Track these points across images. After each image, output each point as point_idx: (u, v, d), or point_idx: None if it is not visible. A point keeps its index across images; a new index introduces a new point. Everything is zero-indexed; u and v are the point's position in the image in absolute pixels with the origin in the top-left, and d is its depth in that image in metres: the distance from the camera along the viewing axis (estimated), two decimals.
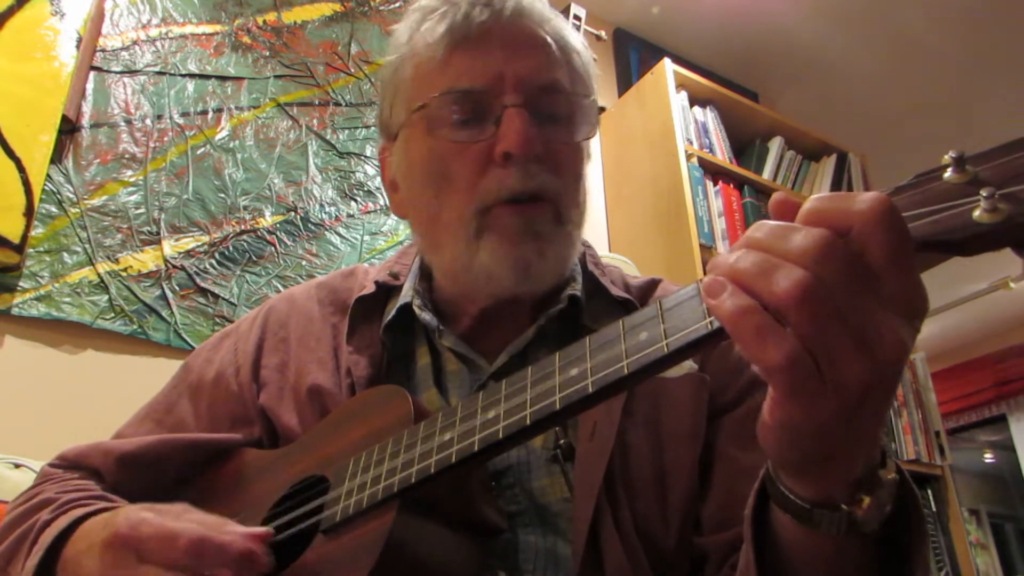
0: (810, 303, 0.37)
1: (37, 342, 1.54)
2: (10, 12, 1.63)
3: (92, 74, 1.77)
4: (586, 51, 0.82)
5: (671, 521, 0.68)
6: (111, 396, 1.50)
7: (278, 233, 1.89)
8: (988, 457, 6.01)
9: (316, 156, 2.03)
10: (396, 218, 2.04)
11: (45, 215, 1.60)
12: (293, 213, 1.93)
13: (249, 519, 0.68)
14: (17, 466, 1.26)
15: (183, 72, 1.91)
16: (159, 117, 1.83)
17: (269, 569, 0.58)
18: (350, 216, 2.02)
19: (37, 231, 1.57)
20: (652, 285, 0.85)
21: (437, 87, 0.74)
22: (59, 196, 1.63)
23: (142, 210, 1.73)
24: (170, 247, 1.73)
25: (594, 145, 2.63)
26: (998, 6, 2.82)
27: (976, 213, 0.38)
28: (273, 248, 1.87)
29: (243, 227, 1.84)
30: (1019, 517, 5.89)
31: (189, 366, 0.89)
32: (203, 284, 1.73)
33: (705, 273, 0.43)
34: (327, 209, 1.99)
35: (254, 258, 1.83)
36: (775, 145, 2.73)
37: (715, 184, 2.46)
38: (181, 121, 1.86)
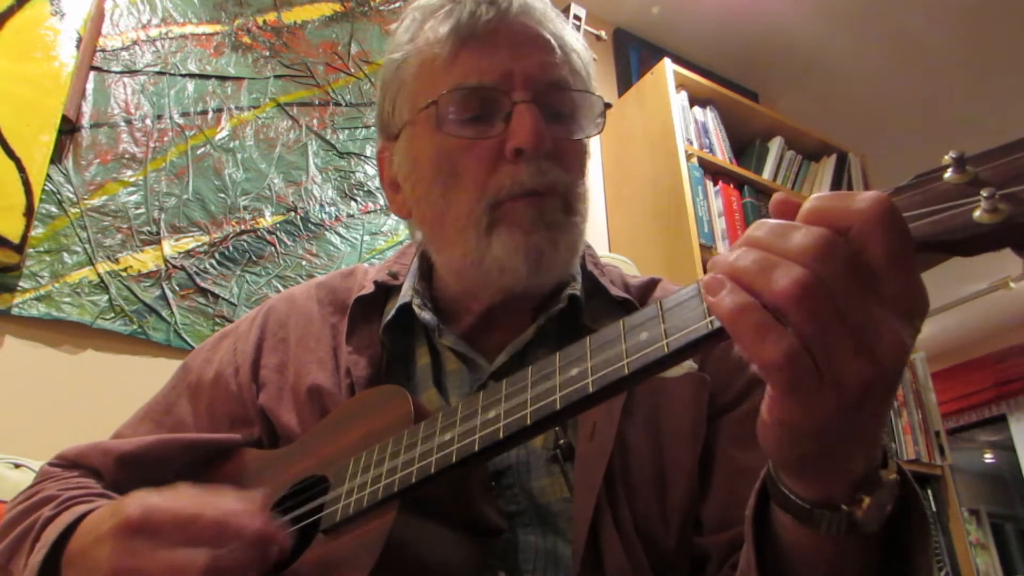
0: (809, 301, 0.37)
1: (37, 342, 1.54)
2: (10, 12, 1.64)
3: (92, 74, 1.77)
4: (586, 52, 0.82)
5: (671, 521, 0.68)
6: (111, 396, 1.50)
7: (278, 233, 1.89)
8: (988, 457, 6.02)
9: (316, 156, 2.03)
10: (396, 218, 2.04)
11: (45, 215, 1.60)
12: (293, 213, 1.93)
13: None
14: (17, 466, 1.26)
15: (183, 72, 1.91)
16: (159, 117, 1.83)
17: (287, 545, 0.59)
18: (350, 216, 2.02)
19: (37, 231, 1.57)
20: (651, 285, 0.85)
21: (444, 84, 0.74)
22: (59, 196, 1.63)
23: (142, 210, 1.73)
24: (170, 247, 1.73)
25: (594, 145, 2.63)
26: (998, 6, 2.82)
27: (976, 213, 0.38)
28: (273, 248, 1.87)
29: (243, 227, 1.84)
30: (1019, 517, 5.89)
31: (188, 366, 0.89)
32: (203, 284, 1.73)
33: (706, 272, 0.43)
34: (327, 209, 1.99)
35: (254, 258, 1.83)
36: (775, 145, 2.73)
37: (715, 184, 2.46)
38: (181, 121, 1.86)
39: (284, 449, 0.77)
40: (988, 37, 2.98)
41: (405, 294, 0.81)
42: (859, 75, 3.21)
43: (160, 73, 1.87)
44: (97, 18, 1.80)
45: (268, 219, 1.89)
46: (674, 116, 2.43)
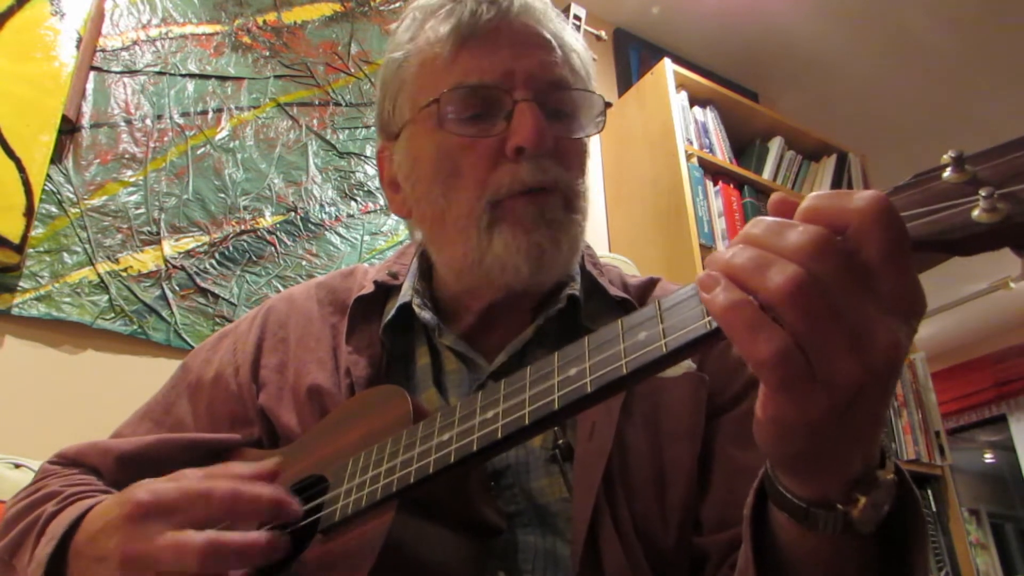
0: (803, 299, 0.37)
1: (37, 342, 1.54)
2: (10, 12, 1.64)
3: (92, 74, 1.77)
4: (586, 51, 0.82)
5: (670, 521, 0.68)
6: (111, 396, 1.50)
7: (278, 233, 1.89)
8: (988, 457, 6.01)
9: (316, 156, 2.03)
10: (396, 218, 2.04)
11: (45, 215, 1.60)
12: (293, 213, 1.93)
13: None
14: (17, 466, 1.26)
15: (183, 72, 1.91)
16: (159, 117, 1.83)
17: (299, 515, 0.59)
18: (350, 216, 2.02)
19: (37, 231, 1.57)
20: (650, 284, 0.85)
21: (445, 83, 0.74)
22: (59, 196, 1.63)
23: (142, 210, 1.73)
24: (170, 247, 1.73)
25: (594, 145, 2.64)
26: (998, 6, 2.82)
27: (975, 213, 0.37)
28: (273, 248, 1.87)
29: (243, 227, 1.84)
30: (1019, 517, 5.89)
31: (188, 366, 0.89)
32: (203, 284, 1.74)
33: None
34: (327, 209, 1.99)
35: (254, 258, 1.83)
36: (775, 145, 2.73)
37: (715, 184, 2.46)
38: (181, 121, 1.86)
39: (283, 449, 0.77)
40: (988, 37, 2.98)
41: (405, 294, 0.81)
42: (859, 75, 3.21)
43: (160, 73, 1.87)
44: (97, 18, 1.80)
45: (268, 219, 1.89)
46: (674, 116, 2.43)
